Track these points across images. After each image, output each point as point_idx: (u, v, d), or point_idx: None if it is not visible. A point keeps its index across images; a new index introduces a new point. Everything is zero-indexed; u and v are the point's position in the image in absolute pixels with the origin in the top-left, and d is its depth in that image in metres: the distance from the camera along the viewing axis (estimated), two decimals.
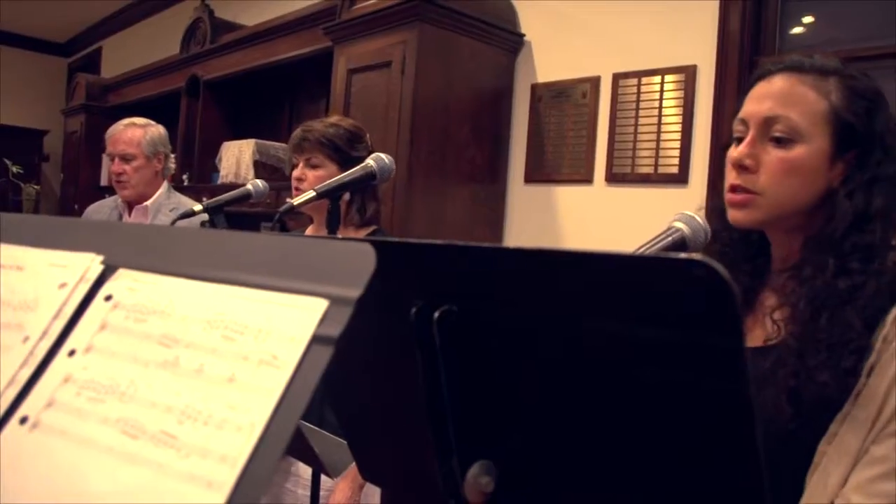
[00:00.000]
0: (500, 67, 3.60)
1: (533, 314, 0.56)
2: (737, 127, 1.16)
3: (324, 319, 0.50)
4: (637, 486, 0.56)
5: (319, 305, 0.51)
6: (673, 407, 0.50)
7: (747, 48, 2.92)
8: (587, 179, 3.33)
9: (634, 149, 3.17)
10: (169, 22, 6.68)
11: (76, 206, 6.68)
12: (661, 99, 3.10)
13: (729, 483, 0.49)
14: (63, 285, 0.65)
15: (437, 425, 0.65)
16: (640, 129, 3.16)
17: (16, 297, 0.68)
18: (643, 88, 3.16)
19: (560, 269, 0.51)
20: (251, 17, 5.19)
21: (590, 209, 3.33)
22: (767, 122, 1.12)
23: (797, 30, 2.96)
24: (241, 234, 0.58)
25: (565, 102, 3.44)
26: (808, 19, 2.95)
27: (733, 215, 1.15)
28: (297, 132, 2.07)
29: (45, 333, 0.63)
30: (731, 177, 1.15)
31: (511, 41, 3.61)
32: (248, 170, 4.53)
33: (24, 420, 0.57)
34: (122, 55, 7.77)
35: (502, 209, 3.63)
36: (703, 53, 2.98)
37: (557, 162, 3.46)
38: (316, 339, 0.50)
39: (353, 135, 2.07)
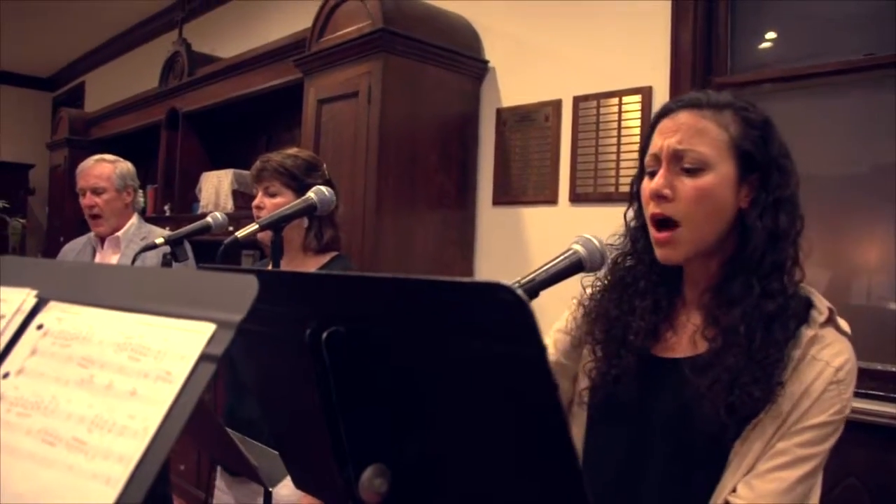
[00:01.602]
0: (466, 94, 3.71)
1: (398, 332, 0.65)
2: (649, 162, 1.27)
3: (210, 340, 0.59)
4: (488, 479, 0.65)
5: (208, 329, 0.60)
6: (500, 410, 0.59)
7: (700, 68, 3.04)
8: (552, 200, 3.43)
9: (596, 169, 3.28)
10: (148, 56, 6.80)
11: (62, 239, 6.75)
12: (619, 119, 3.21)
13: (553, 474, 0.58)
14: (1, 317, 0.74)
15: (333, 434, 0.74)
16: (601, 149, 3.27)
17: None
18: (602, 110, 3.27)
19: (409, 294, 0.60)
20: (227, 50, 5.31)
21: (555, 228, 3.42)
22: (677, 155, 1.23)
23: (764, 45, 3.05)
24: (149, 269, 0.67)
25: (529, 126, 3.55)
26: (770, 34, 3.05)
27: (662, 254, 1.26)
28: (257, 163, 2.18)
29: None
30: (650, 207, 1.25)
31: (476, 68, 3.72)
32: (227, 199, 4.62)
33: None
34: (104, 89, 7.89)
35: (472, 232, 3.73)
36: (657, 75, 3.09)
37: (523, 184, 3.56)
38: (203, 358, 0.59)
39: (309, 164, 2.17)
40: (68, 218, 6.85)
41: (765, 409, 1.14)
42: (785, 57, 2.97)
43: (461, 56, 3.66)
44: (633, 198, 1.37)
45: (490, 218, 3.70)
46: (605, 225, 3.32)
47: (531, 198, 3.52)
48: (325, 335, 0.69)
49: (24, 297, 0.75)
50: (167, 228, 3.27)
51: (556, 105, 3.46)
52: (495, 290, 0.51)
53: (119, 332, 0.65)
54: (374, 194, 3.28)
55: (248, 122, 5.16)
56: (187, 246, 2.32)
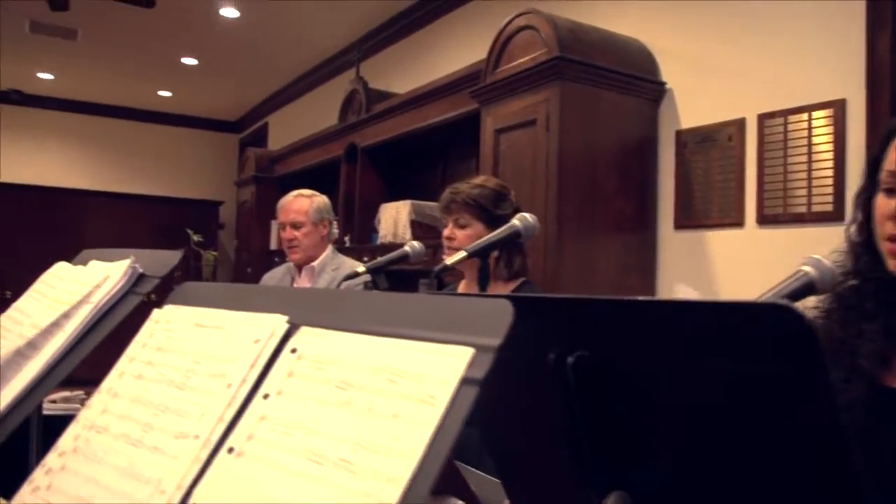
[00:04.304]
0: (644, 116, 3.65)
1: (653, 356, 0.63)
2: (885, 178, 1.18)
3: (470, 364, 0.60)
4: None
5: (466, 353, 0.61)
6: (768, 436, 0.56)
7: None
8: (738, 223, 3.30)
9: (785, 189, 3.12)
10: (327, 95, 7.15)
11: (249, 270, 7.19)
12: (809, 136, 3.05)
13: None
14: (257, 341, 0.79)
15: (577, 460, 0.73)
16: (790, 167, 3.10)
17: (219, 352, 0.83)
18: (790, 127, 3.11)
19: (667, 317, 0.58)
20: (402, 86, 5.50)
21: (742, 252, 3.28)
22: None
23: None
24: (397, 294, 0.69)
25: (711, 147, 3.44)
26: None
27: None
28: (446, 194, 2.22)
29: (244, 380, 0.76)
30: (888, 227, 1.17)
31: (653, 90, 3.65)
32: (405, 229, 4.76)
33: (231, 450, 0.70)
34: (286, 128, 8.39)
35: (653, 257, 3.64)
36: (851, 86, 2.91)
37: (706, 207, 3.44)
38: (465, 381, 0.59)
39: (497, 194, 2.20)
40: (255, 250, 7.29)
41: None
42: None
43: (637, 79, 3.61)
44: (858, 212, 1.28)
45: (672, 242, 3.60)
46: (797, 247, 3.17)
47: (715, 221, 3.40)
48: (571, 360, 0.68)
49: (276, 323, 0.79)
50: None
51: (740, 124, 3.33)
52: (773, 310, 0.49)
53: (374, 355, 0.67)
54: (554, 221, 3.27)
55: (424, 154, 5.31)
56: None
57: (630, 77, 3.58)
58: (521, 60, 3.56)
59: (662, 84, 3.68)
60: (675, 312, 0.58)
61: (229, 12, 6.28)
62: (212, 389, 0.79)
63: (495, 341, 0.60)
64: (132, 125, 9.73)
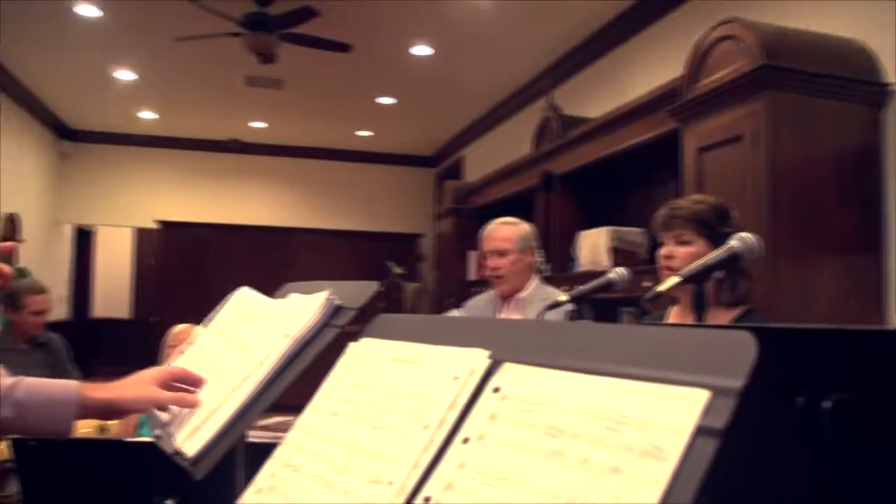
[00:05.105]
0: (864, 123, 3.30)
1: None
2: None
3: (707, 411, 0.50)
4: None
5: (701, 396, 0.51)
6: None
7: None
8: None
9: None
10: (520, 124, 7.16)
11: (451, 300, 7.28)
12: None
13: None
14: (456, 378, 0.72)
15: None
16: None
17: (416, 389, 0.77)
18: None
19: None
20: (595, 110, 5.37)
21: None
22: None
23: None
24: (615, 326, 0.60)
25: None
26: None
27: None
28: (664, 211, 2.09)
29: (441, 422, 0.70)
30: None
31: (874, 93, 3.31)
32: (604, 257, 4.61)
33: (427, 500, 0.64)
34: (481, 159, 8.49)
35: (882, 278, 3.27)
36: None
37: None
38: (700, 431, 0.49)
39: (719, 211, 2.06)
40: (454, 281, 7.38)
41: None
42: None
43: (855, 82, 3.28)
44: None
45: None
46: None
47: None
48: (828, 404, 0.56)
49: (477, 359, 0.72)
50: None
51: None
52: None
53: (589, 397, 0.58)
54: (766, 241, 3.00)
55: (621, 179, 5.14)
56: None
57: (847, 81, 3.26)
58: (723, 73, 3.34)
59: (886, 85, 3.32)
60: None
61: (422, 50, 6.45)
62: (407, 430, 0.73)
63: (736, 382, 0.50)
64: (335, 165, 10.30)
